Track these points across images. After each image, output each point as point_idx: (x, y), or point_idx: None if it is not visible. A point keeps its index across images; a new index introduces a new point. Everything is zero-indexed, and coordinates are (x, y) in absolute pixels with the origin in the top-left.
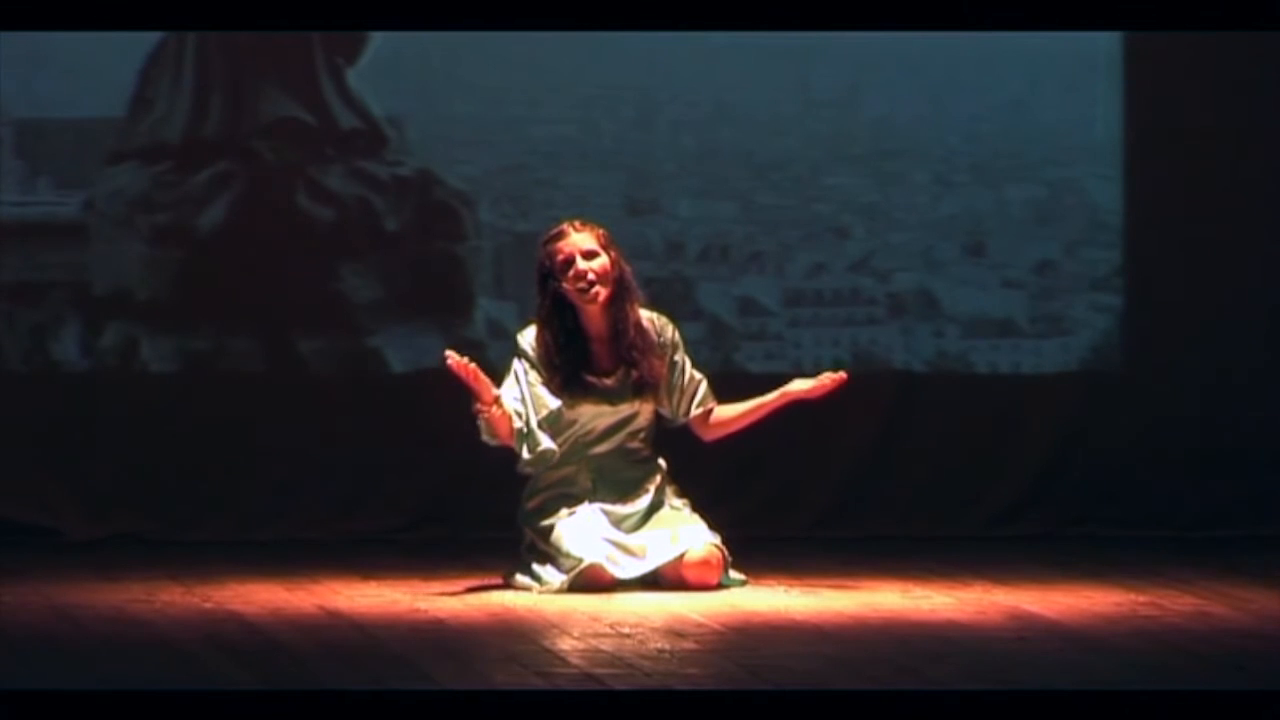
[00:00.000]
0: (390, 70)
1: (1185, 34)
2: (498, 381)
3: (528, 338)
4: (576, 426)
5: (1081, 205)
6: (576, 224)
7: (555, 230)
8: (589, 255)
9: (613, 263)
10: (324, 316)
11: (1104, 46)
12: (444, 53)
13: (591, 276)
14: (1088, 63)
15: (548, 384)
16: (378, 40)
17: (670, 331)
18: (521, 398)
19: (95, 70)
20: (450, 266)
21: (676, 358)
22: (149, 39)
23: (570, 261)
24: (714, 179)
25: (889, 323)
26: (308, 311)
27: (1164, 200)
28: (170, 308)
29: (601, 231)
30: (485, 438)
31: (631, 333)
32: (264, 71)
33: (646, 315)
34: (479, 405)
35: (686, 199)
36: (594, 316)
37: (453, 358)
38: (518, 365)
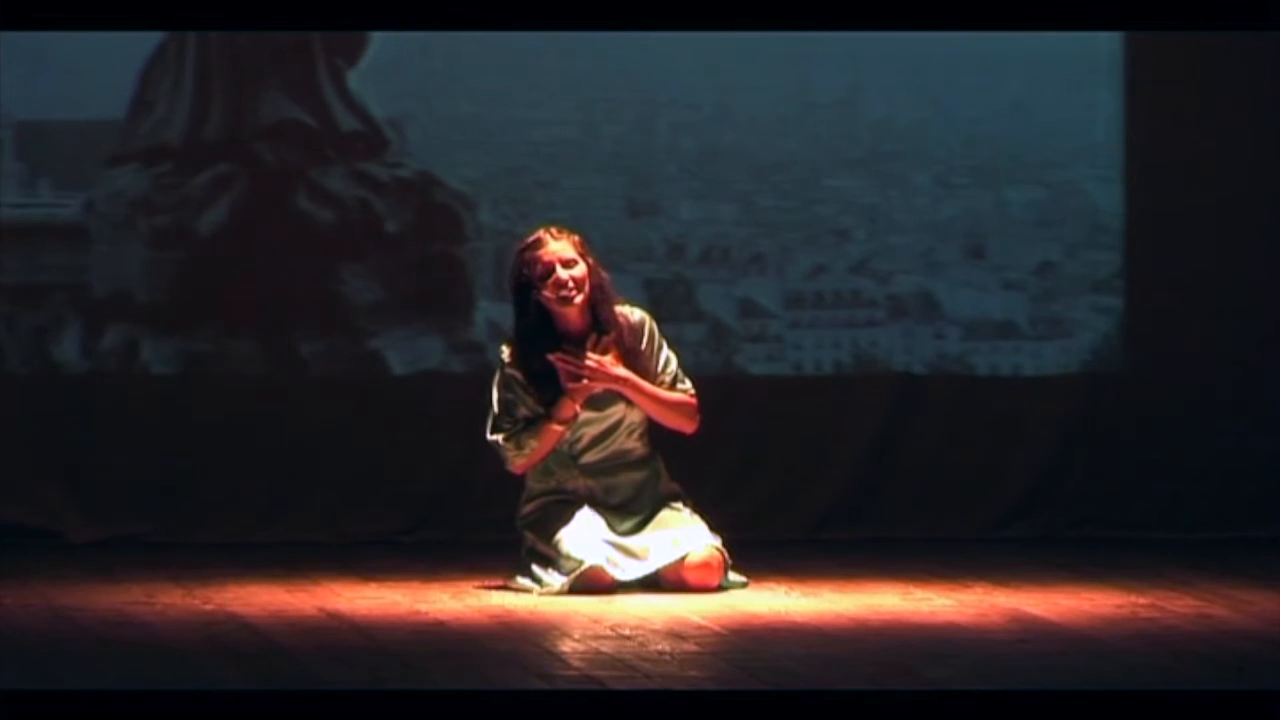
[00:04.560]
0: (391, 72)
1: (1185, 34)
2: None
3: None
4: (567, 434)
5: (1082, 207)
6: (553, 231)
7: (532, 239)
8: (568, 264)
9: (590, 269)
10: (325, 318)
11: (1104, 47)
12: (444, 54)
13: (571, 285)
14: (1088, 63)
15: (534, 394)
16: (378, 42)
17: (647, 325)
18: (524, 414)
19: (96, 72)
20: (451, 268)
21: (659, 352)
22: (149, 41)
23: (550, 270)
24: (714, 181)
25: (889, 325)
26: (308, 313)
27: (1164, 202)
28: (171, 310)
29: (578, 239)
30: (520, 456)
31: (624, 336)
32: (264, 73)
33: (623, 310)
34: (563, 416)
35: (687, 201)
36: (572, 320)
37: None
38: (513, 377)
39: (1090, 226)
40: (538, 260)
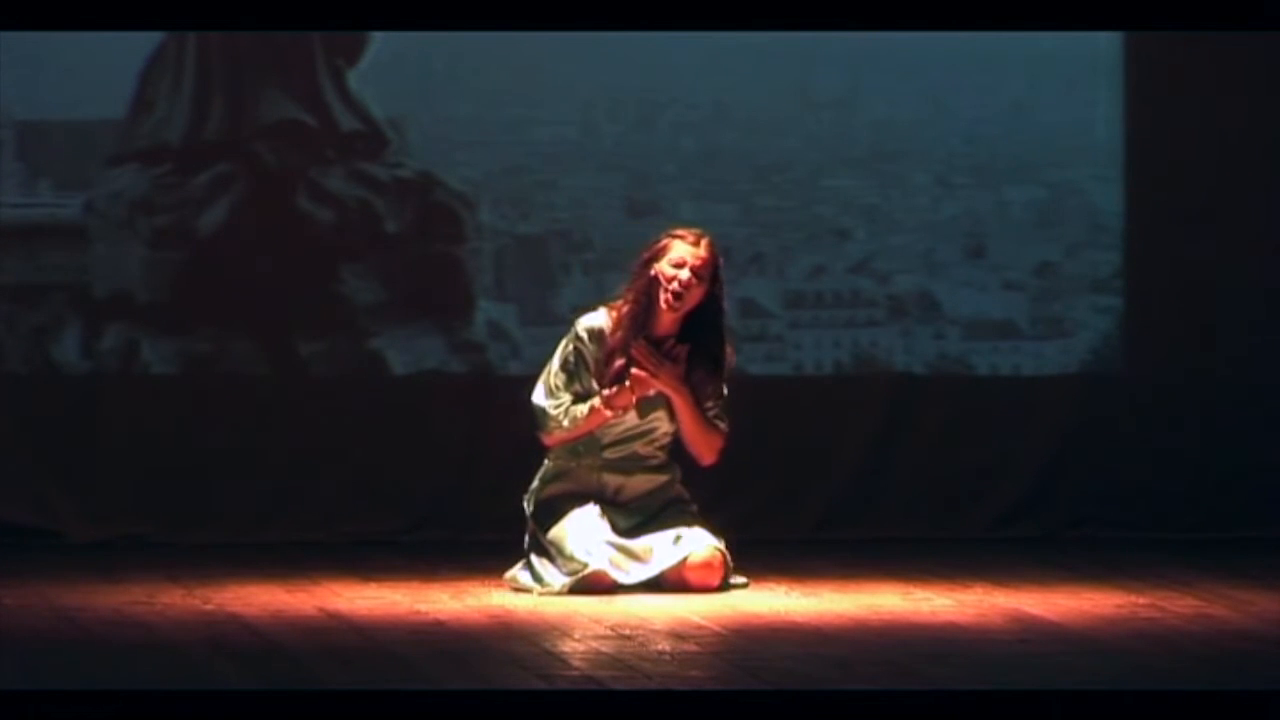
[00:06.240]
0: (391, 72)
1: (1185, 34)
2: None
3: (594, 323)
4: (612, 420)
5: (1082, 207)
6: (707, 242)
7: (685, 232)
8: (699, 275)
9: (707, 295)
10: (325, 318)
11: (1104, 47)
12: (445, 54)
13: (684, 294)
14: (1088, 63)
15: (597, 372)
16: (378, 42)
17: (732, 361)
18: (578, 389)
19: (96, 72)
20: (451, 268)
21: (719, 382)
22: (149, 41)
23: (680, 264)
24: (714, 181)
25: (889, 325)
26: (308, 313)
27: (1164, 202)
28: (171, 310)
29: (720, 264)
30: (560, 429)
31: (716, 364)
32: (264, 73)
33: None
34: (619, 403)
35: (687, 201)
36: (664, 319)
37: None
38: (581, 351)
39: (1090, 226)
40: (676, 249)
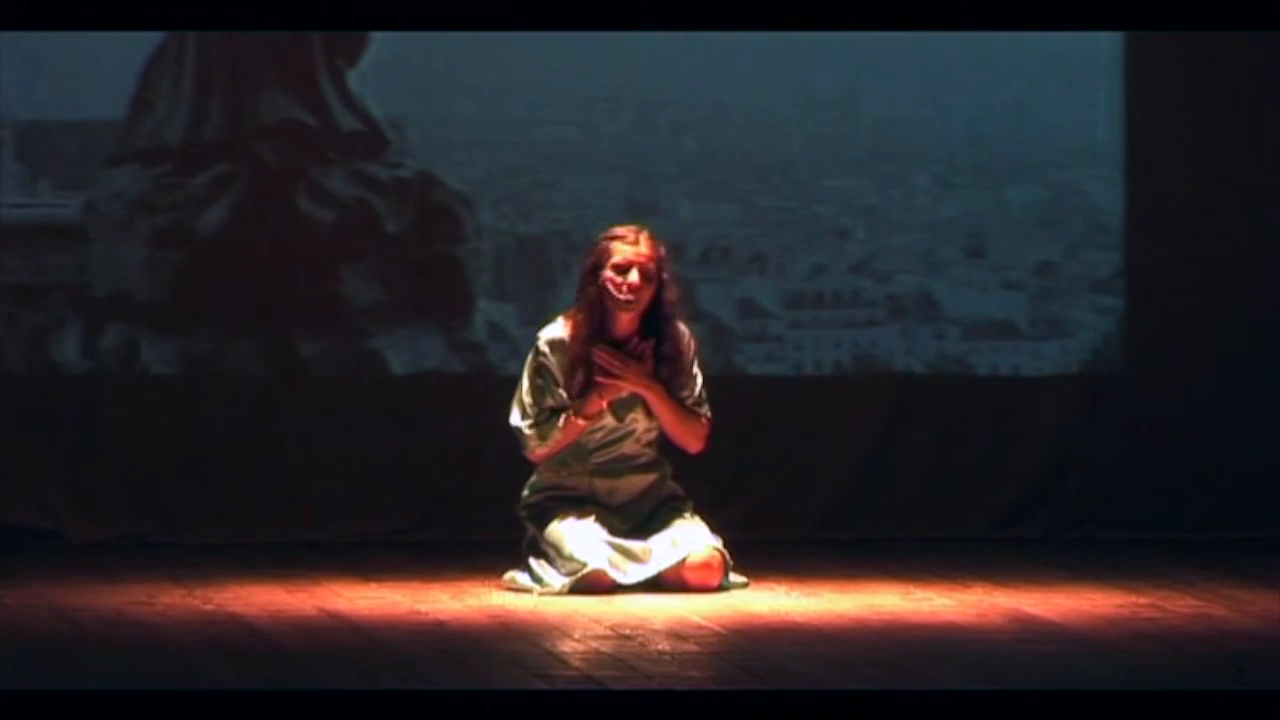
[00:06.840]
0: (391, 72)
1: (1185, 34)
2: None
3: (554, 334)
4: (590, 428)
5: (1082, 207)
6: (648, 235)
7: (625, 230)
8: (646, 274)
9: (660, 286)
10: (324, 318)
11: (1104, 46)
12: (445, 54)
13: (635, 297)
14: (1088, 63)
15: (566, 382)
16: (378, 42)
17: (687, 339)
18: (551, 404)
19: (96, 72)
20: (451, 268)
21: (690, 370)
22: (149, 41)
23: (626, 268)
24: (714, 181)
25: (889, 325)
26: (308, 313)
27: (1164, 202)
28: (171, 310)
29: (663, 255)
30: (541, 445)
31: (671, 346)
32: (264, 73)
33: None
34: (589, 412)
35: (687, 201)
36: (621, 322)
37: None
38: (545, 365)
39: (1090, 226)
40: (618, 252)
